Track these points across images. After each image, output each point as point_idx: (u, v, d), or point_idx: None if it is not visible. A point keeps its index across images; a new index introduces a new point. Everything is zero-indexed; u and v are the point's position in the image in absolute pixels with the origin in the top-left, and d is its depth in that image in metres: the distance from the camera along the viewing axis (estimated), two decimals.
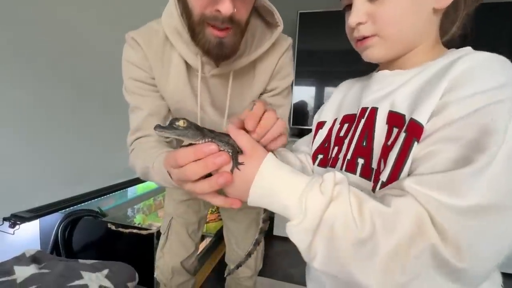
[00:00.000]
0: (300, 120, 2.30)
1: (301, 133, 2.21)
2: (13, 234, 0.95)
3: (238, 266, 0.51)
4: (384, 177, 0.37)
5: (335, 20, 2.47)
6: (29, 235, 1.10)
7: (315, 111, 2.29)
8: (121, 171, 1.51)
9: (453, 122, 0.32)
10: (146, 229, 1.06)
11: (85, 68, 1.21)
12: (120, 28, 1.32)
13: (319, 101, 2.28)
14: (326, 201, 0.32)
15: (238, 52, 0.62)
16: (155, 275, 0.97)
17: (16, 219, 0.95)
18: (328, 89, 2.29)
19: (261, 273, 1.04)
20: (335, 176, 0.34)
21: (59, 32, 1.08)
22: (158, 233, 1.05)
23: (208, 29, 0.53)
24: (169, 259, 0.94)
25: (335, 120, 0.55)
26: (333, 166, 0.50)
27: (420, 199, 0.31)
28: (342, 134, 0.51)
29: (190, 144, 0.38)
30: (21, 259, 0.76)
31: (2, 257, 0.81)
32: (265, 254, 1.04)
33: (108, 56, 1.29)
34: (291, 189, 0.34)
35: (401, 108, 0.40)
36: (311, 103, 2.30)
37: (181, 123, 0.35)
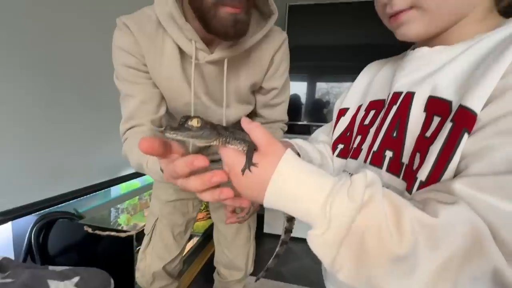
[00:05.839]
0: (291, 116, 2.26)
1: (292, 129, 2.17)
2: None
3: (266, 269, 0.48)
4: (422, 175, 0.31)
5: (326, 13, 2.42)
6: (1, 240, 1.03)
7: (306, 107, 2.28)
8: (102, 170, 1.44)
9: None
10: (125, 232, 1.00)
11: (60, 55, 1.12)
12: (100, 14, 1.27)
13: (311, 97, 2.24)
14: (355, 209, 0.27)
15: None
16: (135, 278, 0.92)
17: None
18: (320, 84, 2.25)
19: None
20: (366, 177, 0.29)
21: (29, 16, 0.98)
22: (138, 235, 1.00)
23: (222, 9, 0.52)
24: (150, 262, 0.89)
25: (359, 107, 0.50)
26: (355, 157, 0.45)
27: (478, 208, 0.25)
28: (367, 122, 0.46)
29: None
30: None
31: None
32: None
33: (89, 42, 1.20)
34: (314, 193, 0.29)
35: (447, 92, 0.33)
36: (302, 98, 2.26)
37: (194, 122, 0.31)
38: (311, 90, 2.26)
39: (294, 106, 2.24)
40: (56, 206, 1.11)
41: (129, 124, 0.65)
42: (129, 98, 0.65)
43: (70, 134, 1.21)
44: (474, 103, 0.28)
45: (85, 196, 1.26)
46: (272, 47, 0.69)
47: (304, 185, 0.30)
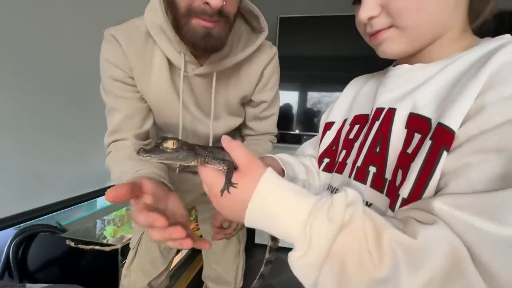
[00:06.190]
0: (282, 125, 2.27)
1: (284, 138, 2.18)
2: None
3: None
4: (405, 192, 0.31)
5: (316, 25, 2.47)
6: None
7: (298, 116, 2.29)
8: (88, 179, 1.40)
9: (494, 127, 0.26)
10: (110, 245, 0.97)
11: (45, 62, 1.08)
12: (90, 21, 1.25)
13: (302, 106, 2.26)
14: (335, 229, 0.27)
15: (223, 51, 0.61)
16: None
17: None
18: (311, 94, 2.28)
19: None
20: (346, 196, 0.29)
21: (14, 20, 0.96)
22: (124, 248, 0.97)
23: (195, 20, 0.52)
24: (135, 278, 0.86)
25: (344, 121, 0.51)
26: (340, 171, 0.45)
27: (457, 227, 0.25)
28: (351, 136, 0.46)
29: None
30: None
31: None
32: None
33: (76, 50, 1.18)
34: (294, 213, 0.29)
35: (426, 110, 0.34)
36: (293, 108, 2.27)
37: (170, 144, 0.31)
38: (302, 99, 2.28)
39: (285, 115, 2.26)
40: (37, 219, 1.07)
41: (113, 137, 0.64)
42: (114, 112, 0.64)
43: (54, 142, 1.17)
44: (452, 122, 0.29)
45: (68, 208, 1.22)
46: (262, 61, 0.70)
47: (285, 204, 0.30)
